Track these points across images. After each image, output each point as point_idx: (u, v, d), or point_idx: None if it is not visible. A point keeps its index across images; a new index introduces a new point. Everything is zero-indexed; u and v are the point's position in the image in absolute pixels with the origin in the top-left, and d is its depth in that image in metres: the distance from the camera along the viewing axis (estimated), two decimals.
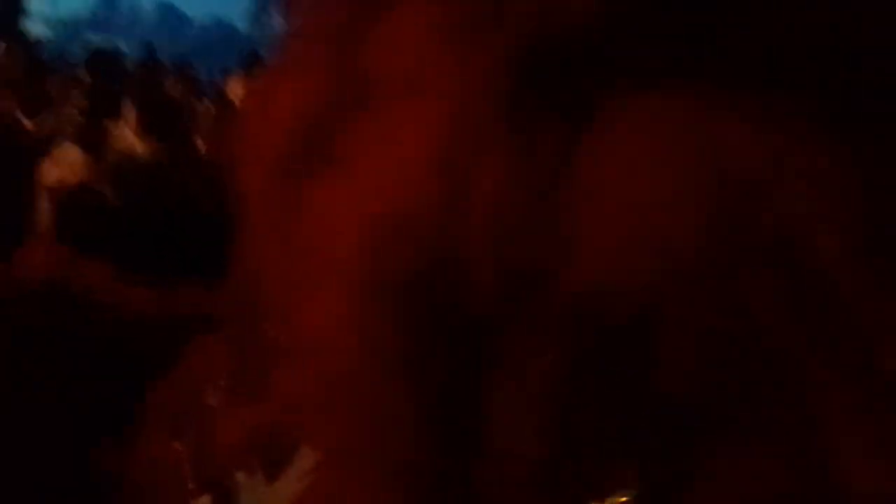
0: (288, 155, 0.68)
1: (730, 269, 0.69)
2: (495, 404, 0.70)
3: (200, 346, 0.89)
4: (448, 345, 0.69)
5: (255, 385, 0.67)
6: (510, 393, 0.68)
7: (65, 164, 6.43)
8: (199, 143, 6.98)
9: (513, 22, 0.70)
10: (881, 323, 0.67)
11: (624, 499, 0.71)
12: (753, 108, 0.74)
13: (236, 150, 0.62)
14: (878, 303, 0.68)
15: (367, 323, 0.68)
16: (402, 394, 0.68)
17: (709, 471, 0.70)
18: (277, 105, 0.69)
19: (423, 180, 0.68)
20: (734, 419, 0.69)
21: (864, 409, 0.67)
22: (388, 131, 0.69)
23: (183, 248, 6.13)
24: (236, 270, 0.69)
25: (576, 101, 0.71)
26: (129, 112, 6.82)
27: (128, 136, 6.65)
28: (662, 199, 0.68)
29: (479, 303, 0.70)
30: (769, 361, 0.69)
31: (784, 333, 0.68)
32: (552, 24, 0.68)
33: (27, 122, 7.05)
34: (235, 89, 7.82)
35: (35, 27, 7.67)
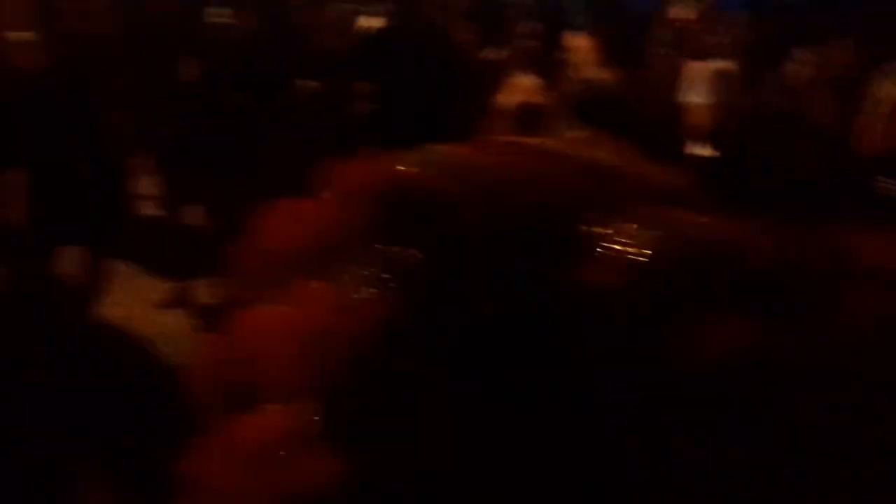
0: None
1: None
2: None
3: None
4: None
5: None
6: None
7: (521, 91, 6.59)
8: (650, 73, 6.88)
9: None
10: None
11: None
12: None
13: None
14: None
15: None
16: None
17: None
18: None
19: None
20: None
21: None
22: None
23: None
24: None
25: None
26: (586, 40, 6.86)
27: (585, 63, 6.70)
28: None
29: None
30: None
31: None
32: None
33: (485, 52, 7.31)
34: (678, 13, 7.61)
35: None
